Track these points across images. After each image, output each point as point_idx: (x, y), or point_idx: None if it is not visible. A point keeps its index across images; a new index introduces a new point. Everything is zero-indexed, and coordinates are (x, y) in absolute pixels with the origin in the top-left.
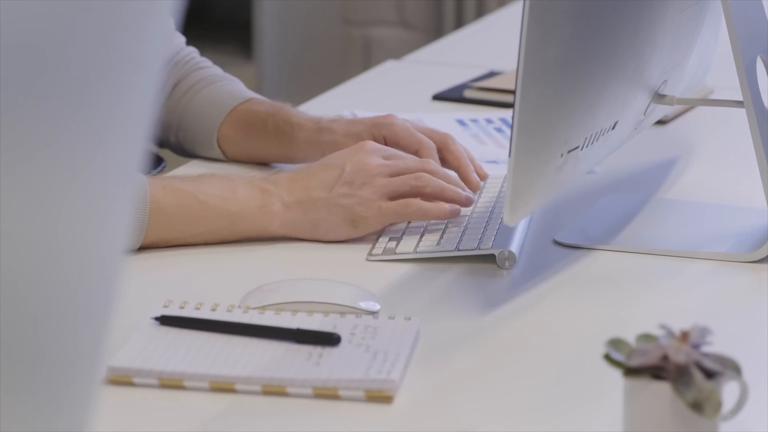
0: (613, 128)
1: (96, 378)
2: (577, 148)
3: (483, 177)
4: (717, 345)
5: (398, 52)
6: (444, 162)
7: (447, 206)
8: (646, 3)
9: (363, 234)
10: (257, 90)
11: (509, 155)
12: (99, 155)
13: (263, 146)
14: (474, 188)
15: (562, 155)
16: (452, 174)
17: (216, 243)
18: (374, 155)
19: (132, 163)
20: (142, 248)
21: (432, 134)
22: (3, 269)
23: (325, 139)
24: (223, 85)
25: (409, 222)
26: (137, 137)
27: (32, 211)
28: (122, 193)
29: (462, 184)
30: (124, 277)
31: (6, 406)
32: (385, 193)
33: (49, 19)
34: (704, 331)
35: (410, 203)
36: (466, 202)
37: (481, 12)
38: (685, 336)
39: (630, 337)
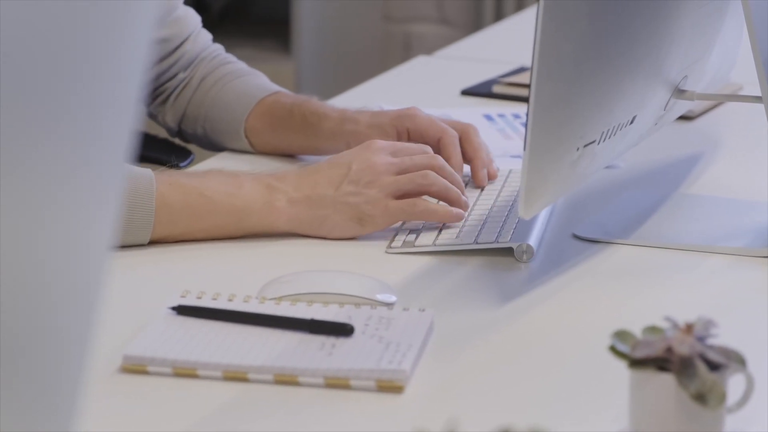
0: (631, 123)
1: (82, 376)
2: (593, 142)
3: (492, 177)
4: (730, 338)
5: (438, 48)
6: (462, 152)
7: (453, 209)
8: (662, 1)
9: (369, 232)
10: (295, 86)
11: (524, 149)
12: (82, 152)
13: (289, 137)
14: (478, 183)
15: (578, 149)
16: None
17: (222, 239)
18: (381, 153)
19: (117, 160)
20: (150, 243)
21: (455, 125)
22: None
23: (349, 129)
24: (249, 78)
25: (415, 220)
26: (122, 134)
27: (15, 209)
28: (107, 191)
29: (463, 187)
30: (110, 274)
31: None
32: (391, 192)
33: (27, 17)
34: (709, 324)
35: (418, 203)
36: (464, 207)
37: (520, 8)
38: (689, 328)
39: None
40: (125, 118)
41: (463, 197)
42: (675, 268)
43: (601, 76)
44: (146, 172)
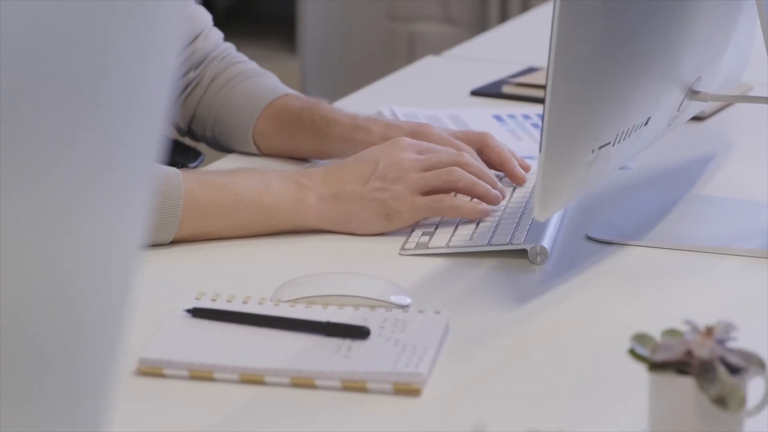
0: (645, 124)
1: (112, 376)
2: (608, 144)
3: (527, 169)
4: (747, 341)
5: (443, 47)
6: (486, 161)
7: (479, 206)
8: (677, 2)
9: (396, 228)
10: (301, 85)
11: (539, 151)
12: (113, 152)
13: (297, 141)
14: (520, 181)
15: (593, 151)
16: (487, 169)
17: (250, 236)
18: (408, 151)
19: (146, 161)
20: (176, 241)
21: (470, 135)
22: (16, 269)
23: (361, 139)
24: (259, 80)
25: (442, 216)
26: (151, 134)
27: (46, 211)
28: (137, 191)
29: (494, 181)
30: (139, 274)
31: (21, 407)
32: (419, 188)
33: (58, 14)
34: (729, 327)
35: (444, 199)
36: (495, 200)
37: (526, 8)
38: (709, 331)
39: (659, 332)
40: (155, 118)
41: (494, 191)
42: (689, 270)
43: (616, 77)
44: (173, 170)
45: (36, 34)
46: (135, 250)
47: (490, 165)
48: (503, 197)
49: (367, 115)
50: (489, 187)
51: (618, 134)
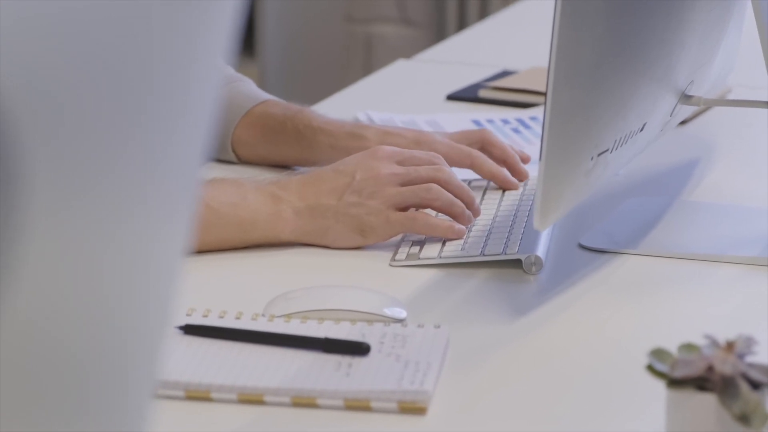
0: (641, 130)
1: (153, 384)
2: (606, 151)
3: (526, 161)
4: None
5: (400, 49)
6: (490, 157)
7: (455, 225)
8: (676, 3)
9: (371, 243)
10: (261, 88)
11: (540, 159)
12: (158, 161)
13: (281, 150)
14: (522, 177)
15: (592, 158)
16: (465, 186)
17: (228, 250)
18: (386, 161)
19: (192, 168)
20: None
21: (469, 135)
22: (62, 280)
23: (356, 146)
24: (237, 86)
25: (416, 233)
26: (197, 140)
27: (93, 220)
28: (182, 199)
29: (471, 199)
30: (181, 284)
31: (63, 419)
32: (394, 204)
33: (105, 20)
34: (750, 341)
35: (418, 218)
36: (467, 222)
37: (484, 10)
38: (730, 346)
39: (662, 343)
40: (202, 124)
41: (467, 212)
42: (686, 279)
43: (616, 83)
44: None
45: (82, 42)
46: (179, 261)
47: (494, 161)
48: (478, 215)
49: (353, 122)
50: (464, 207)
51: (616, 141)
